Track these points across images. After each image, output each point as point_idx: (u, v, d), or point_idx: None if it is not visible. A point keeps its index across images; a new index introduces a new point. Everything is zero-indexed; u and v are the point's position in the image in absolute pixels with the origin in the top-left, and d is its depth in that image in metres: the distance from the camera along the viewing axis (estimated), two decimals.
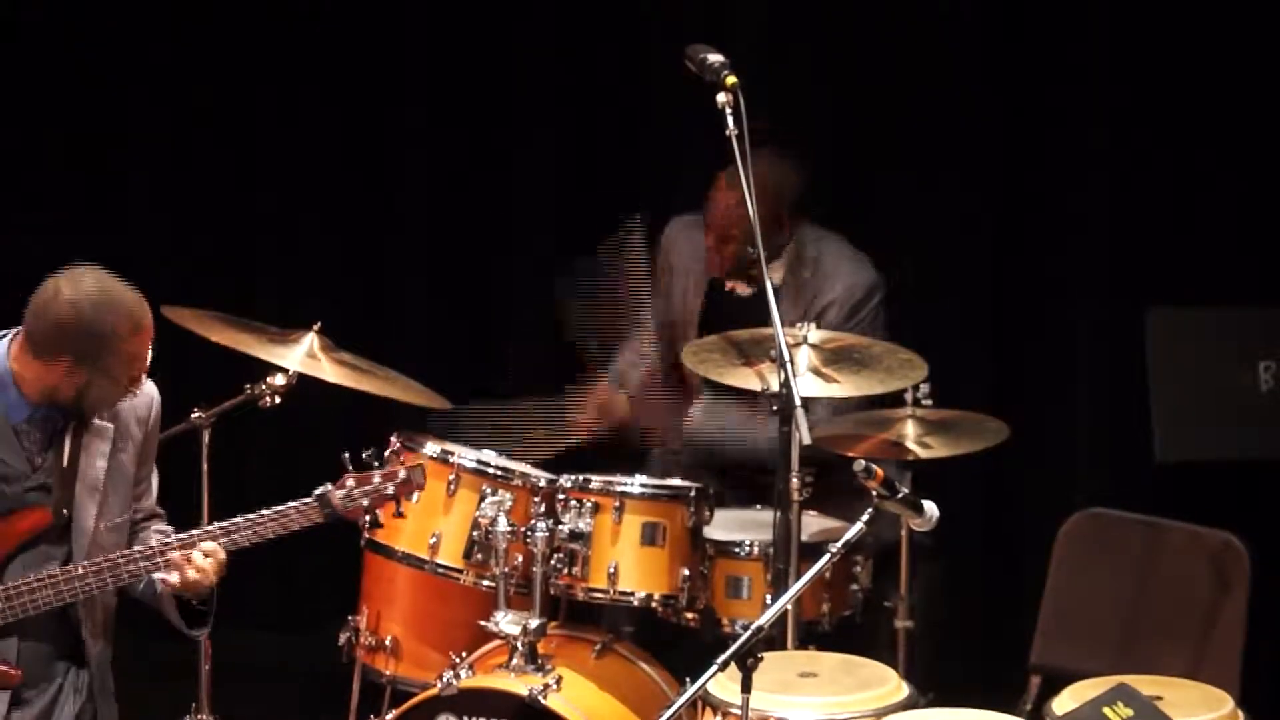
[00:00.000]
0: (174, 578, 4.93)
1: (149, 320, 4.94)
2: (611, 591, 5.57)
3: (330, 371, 5.78)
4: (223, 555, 4.96)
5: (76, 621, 4.99)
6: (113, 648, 5.08)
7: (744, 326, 5.85)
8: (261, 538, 5.02)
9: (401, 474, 5.13)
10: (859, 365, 5.72)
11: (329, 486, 5.06)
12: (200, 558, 4.93)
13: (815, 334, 5.75)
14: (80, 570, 4.92)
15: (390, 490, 5.11)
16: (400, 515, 5.18)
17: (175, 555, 4.93)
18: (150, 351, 4.96)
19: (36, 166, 7.31)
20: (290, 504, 5.03)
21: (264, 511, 5.02)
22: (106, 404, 4.98)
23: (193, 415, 5.82)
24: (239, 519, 5.00)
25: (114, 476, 5.03)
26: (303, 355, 5.82)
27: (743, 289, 6.19)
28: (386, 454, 5.65)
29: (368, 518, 5.14)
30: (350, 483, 5.08)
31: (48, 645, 4.97)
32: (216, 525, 5.00)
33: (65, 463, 4.96)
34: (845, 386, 5.68)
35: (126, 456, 5.06)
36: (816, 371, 5.68)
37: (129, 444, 5.06)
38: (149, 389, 5.12)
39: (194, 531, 5.00)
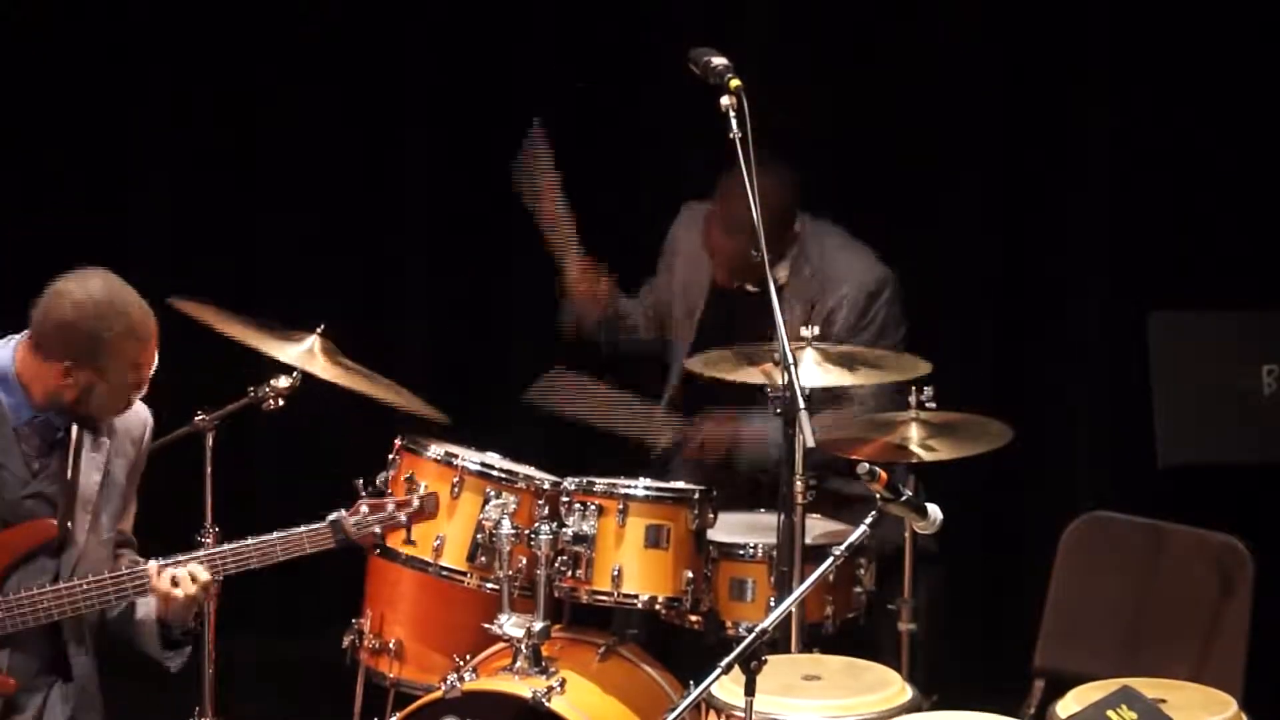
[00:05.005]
0: (172, 587, 4.93)
1: (152, 327, 4.95)
2: (615, 594, 5.56)
3: (328, 372, 5.75)
4: (207, 578, 4.97)
5: (62, 634, 4.99)
6: (98, 659, 5.08)
7: (747, 327, 5.85)
8: (271, 560, 5.04)
9: (415, 502, 5.18)
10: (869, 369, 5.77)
11: (343, 512, 5.10)
12: (202, 579, 4.95)
13: (820, 344, 5.77)
14: (84, 585, 4.92)
15: (403, 518, 5.16)
16: (411, 543, 5.32)
17: (179, 572, 4.95)
18: (154, 361, 4.96)
19: (37, 170, 7.30)
20: (302, 527, 5.05)
21: (274, 535, 5.04)
22: (109, 410, 4.97)
23: (196, 418, 5.81)
24: (249, 541, 5.02)
25: (106, 492, 5.03)
26: (303, 353, 5.79)
27: (750, 285, 6.17)
28: (390, 456, 5.66)
29: (378, 545, 5.24)
30: (364, 509, 5.12)
31: (35, 657, 4.98)
32: (227, 546, 5.02)
33: (68, 474, 4.96)
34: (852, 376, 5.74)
35: (120, 474, 5.06)
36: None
37: (123, 461, 5.07)
38: (143, 411, 5.12)
39: (201, 552, 5.02)
